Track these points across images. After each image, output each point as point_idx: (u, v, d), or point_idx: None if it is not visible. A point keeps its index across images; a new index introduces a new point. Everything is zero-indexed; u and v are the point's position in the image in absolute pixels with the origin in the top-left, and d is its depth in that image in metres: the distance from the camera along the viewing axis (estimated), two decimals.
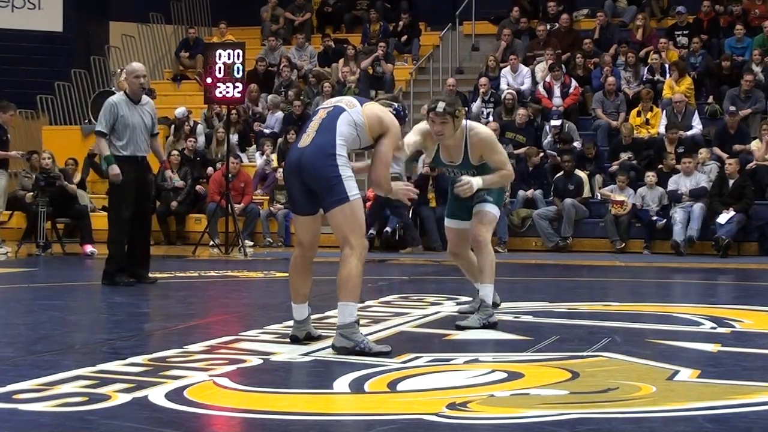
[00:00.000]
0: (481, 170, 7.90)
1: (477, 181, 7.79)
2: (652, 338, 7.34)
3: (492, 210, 7.99)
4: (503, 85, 20.10)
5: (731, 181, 16.29)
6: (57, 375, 5.80)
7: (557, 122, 18.62)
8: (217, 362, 6.27)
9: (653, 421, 4.99)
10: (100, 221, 18.25)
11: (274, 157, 19.00)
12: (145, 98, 11.48)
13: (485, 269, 7.88)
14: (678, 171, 16.76)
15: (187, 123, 19.97)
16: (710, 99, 18.91)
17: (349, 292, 6.61)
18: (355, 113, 6.75)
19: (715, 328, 7.98)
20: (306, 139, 6.74)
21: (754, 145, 17.34)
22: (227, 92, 16.01)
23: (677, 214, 16.19)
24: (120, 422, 4.81)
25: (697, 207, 16.09)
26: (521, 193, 17.45)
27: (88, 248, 16.04)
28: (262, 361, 6.35)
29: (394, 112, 7.00)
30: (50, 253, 16.00)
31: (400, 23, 23.40)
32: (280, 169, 18.31)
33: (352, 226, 6.65)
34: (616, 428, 4.84)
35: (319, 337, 7.15)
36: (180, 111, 20.08)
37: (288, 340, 7.13)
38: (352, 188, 6.62)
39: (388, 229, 16.86)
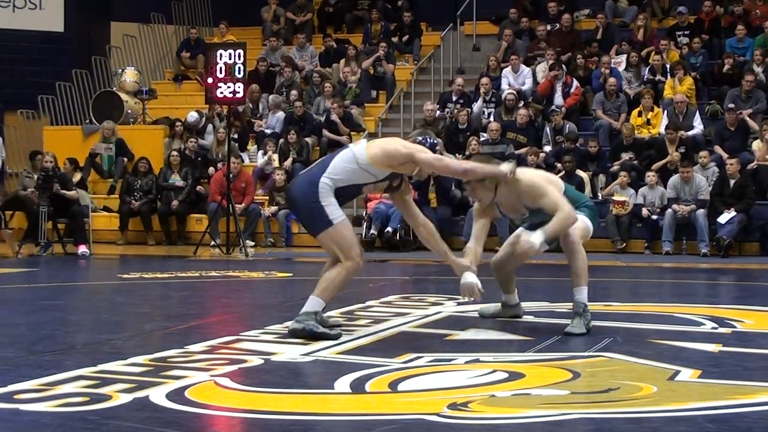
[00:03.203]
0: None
1: (536, 238, 7.46)
2: (653, 338, 7.34)
3: (584, 220, 7.97)
4: (504, 85, 20.09)
5: (732, 181, 16.27)
6: (58, 375, 5.80)
7: (555, 109, 18.72)
8: (218, 362, 6.28)
9: (654, 421, 4.99)
10: (101, 221, 18.33)
11: (275, 157, 18.99)
12: None
13: (581, 272, 7.83)
14: (677, 171, 16.71)
15: (179, 124, 20.00)
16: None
17: None
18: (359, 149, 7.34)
19: (716, 328, 7.98)
20: None
21: (755, 145, 17.33)
22: (228, 92, 16.00)
23: (667, 217, 16.17)
24: (121, 422, 4.81)
25: (701, 215, 16.01)
26: None
27: (81, 249, 16.03)
28: (263, 361, 6.36)
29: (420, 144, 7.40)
30: (51, 253, 16.00)
31: (402, 23, 23.38)
32: (279, 170, 18.33)
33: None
34: (617, 428, 4.84)
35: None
36: (192, 116, 20.08)
37: (288, 340, 7.15)
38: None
39: (389, 229, 16.86)
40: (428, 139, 7.48)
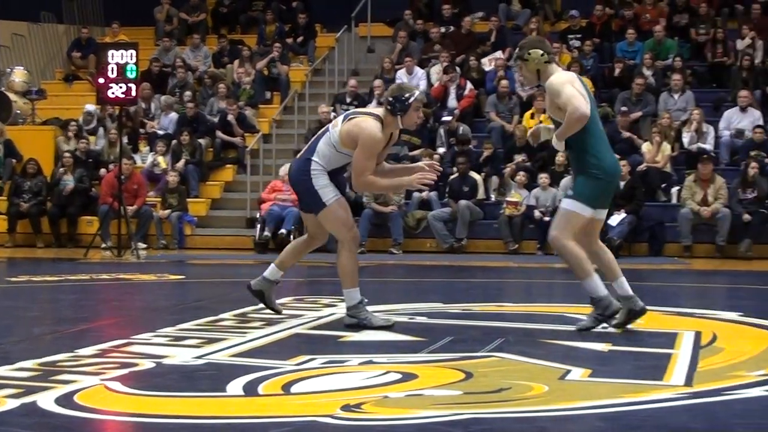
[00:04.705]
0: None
1: (555, 142, 7.67)
2: (545, 338, 7.41)
3: (566, 205, 7.77)
4: None
5: (622, 183, 16.51)
6: None
7: (448, 118, 18.81)
8: (109, 366, 6.19)
9: (545, 420, 5.04)
10: None
11: (161, 159, 18.83)
12: None
13: (573, 269, 7.72)
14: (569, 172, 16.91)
15: (74, 122, 19.76)
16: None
17: None
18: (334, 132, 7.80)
19: (606, 327, 8.08)
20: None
21: (645, 147, 17.62)
22: (120, 93, 15.82)
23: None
24: (8, 428, 4.72)
25: None
26: (416, 194, 17.51)
27: None
28: (154, 365, 6.29)
29: (389, 107, 7.69)
30: None
31: (297, 24, 23.32)
32: (172, 172, 18.19)
33: None
34: (508, 428, 4.87)
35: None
36: (91, 106, 19.91)
37: (180, 343, 7.11)
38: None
39: (283, 230, 16.81)
40: (400, 99, 7.72)
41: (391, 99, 7.73)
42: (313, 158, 7.80)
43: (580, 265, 7.69)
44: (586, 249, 7.90)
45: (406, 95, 7.74)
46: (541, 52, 7.77)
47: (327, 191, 7.78)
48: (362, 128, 7.67)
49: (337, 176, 7.93)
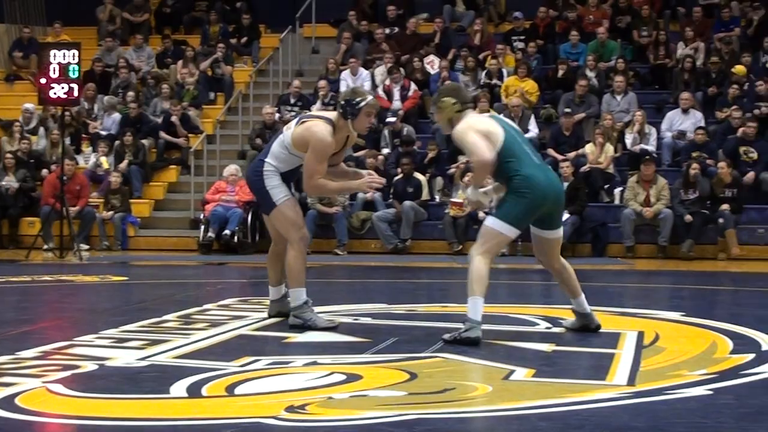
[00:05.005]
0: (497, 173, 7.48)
1: (469, 193, 7.68)
2: (489, 339, 7.41)
3: (488, 223, 7.42)
4: (343, 88, 20.13)
5: (566, 184, 16.60)
6: None
7: (392, 119, 18.81)
8: (51, 368, 6.14)
9: (489, 420, 5.06)
10: None
11: (104, 159, 18.70)
12: None
13: (469, 281, 7.32)
14: None
15: (17, 123, 19.58)
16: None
17: None
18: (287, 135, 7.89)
19: (549, 328, 8.14)
20: None
21: (588, 148, 17.73)
22: (62, 93, 15.69)
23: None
24: None
25: None
26: (360, 195, 17.50)
27: None
28: (97, 367, 6.25)
29: (341, 110, 7.78)
30: None
31: (241, 25, 23.24)
32: (115, 173, 18.08)
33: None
34: (452, 428, 4.89)
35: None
36: (30, 105, 19.78)
37: (123, 345, 7.07)
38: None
39: (227, 231, 16.74)
40: (351, 103, 7.77)
41: (342, 102, 7.81)
42: (267, 159, 7.93)
43: (477, 282, 7.28)
44: (547, 267, 7.89)
45: (357, 99, 7.78)
46: (454, 100, 7.50)
47: (277, 191, 7.89)
48: (313, 132, 7.73)
49: (290, 178, 8.02)
